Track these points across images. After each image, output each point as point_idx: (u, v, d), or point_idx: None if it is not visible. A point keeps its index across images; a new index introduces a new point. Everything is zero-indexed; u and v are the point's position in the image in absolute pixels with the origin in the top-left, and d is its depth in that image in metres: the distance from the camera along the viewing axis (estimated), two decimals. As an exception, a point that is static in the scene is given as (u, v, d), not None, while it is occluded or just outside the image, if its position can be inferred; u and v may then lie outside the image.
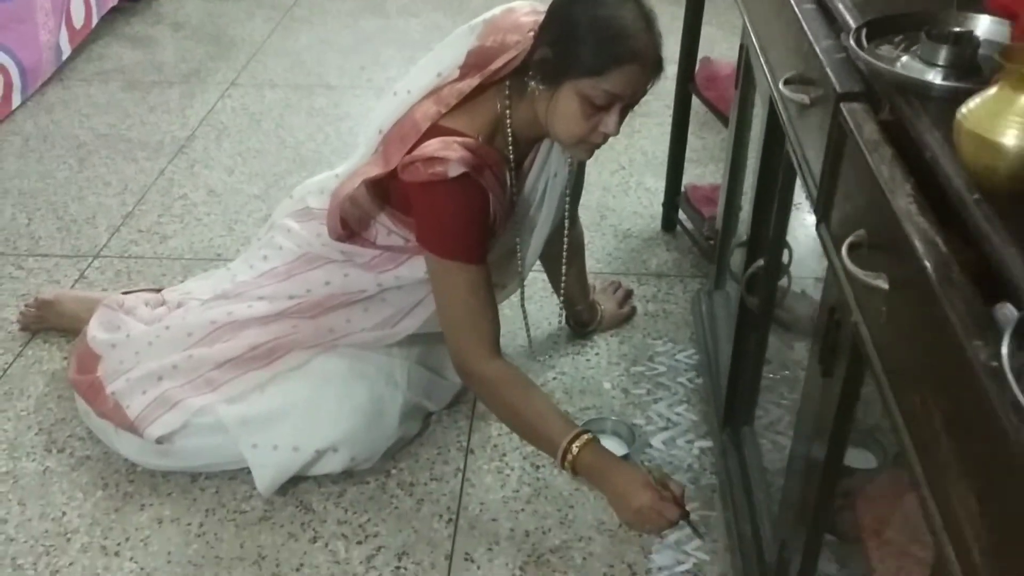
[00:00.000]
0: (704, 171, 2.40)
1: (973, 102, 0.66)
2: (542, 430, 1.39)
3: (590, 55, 1.32)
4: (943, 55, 0.79)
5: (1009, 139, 0.62)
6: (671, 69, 2.07)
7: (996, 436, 0.52)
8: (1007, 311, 0.56)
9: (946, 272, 0.62)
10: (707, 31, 2.10)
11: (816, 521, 1.06)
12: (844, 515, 1.23)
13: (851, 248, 0.77)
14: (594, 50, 1.32)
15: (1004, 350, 0.50)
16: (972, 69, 0.79)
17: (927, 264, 0.63)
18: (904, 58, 0.82)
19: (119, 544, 1.46)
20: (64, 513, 1.51)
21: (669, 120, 2.18)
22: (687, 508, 1.33)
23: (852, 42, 0.85)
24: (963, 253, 0.66)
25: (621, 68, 1.32)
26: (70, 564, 1.43)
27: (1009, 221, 0.62)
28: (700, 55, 2.07)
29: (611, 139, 1.42)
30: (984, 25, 0.84)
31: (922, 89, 0.78)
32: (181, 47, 3.15)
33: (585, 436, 1.36)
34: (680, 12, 2.01)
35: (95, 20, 3.08)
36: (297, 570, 1.42)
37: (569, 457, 1.35)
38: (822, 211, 0.90)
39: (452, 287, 1.43)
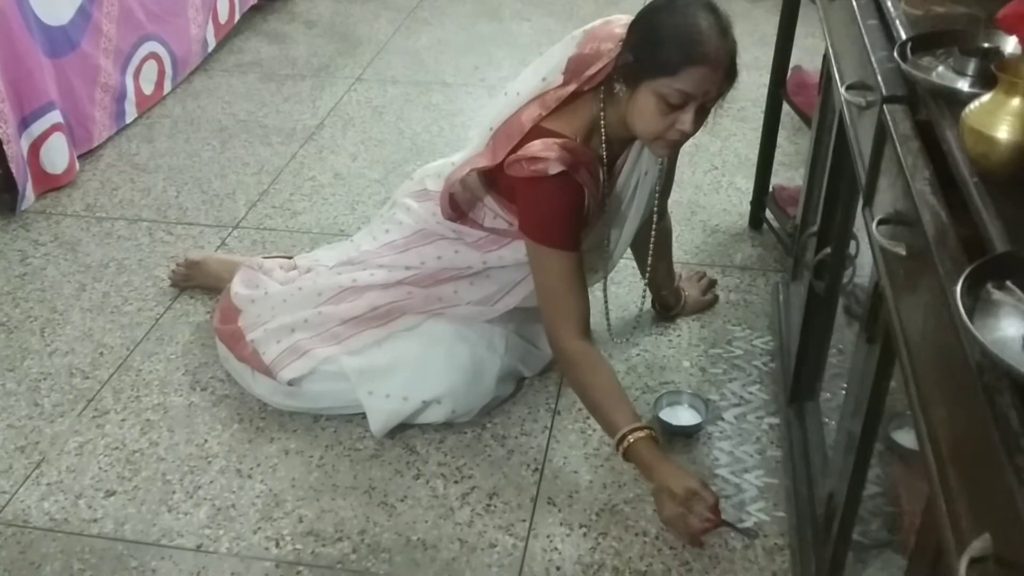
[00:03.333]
0: (794, 174, 2.52)
1: (975, 103, 0.81)
2: (608, 413, 1.54)
3: (665, 56, 1.45)
4: (971, 67, 0.94)
5: (1001, 133, 0.78)
6: (764, 76, 2.22)
7: (956, 354, 0.68)
8: (983, 266, 0.72)
9: (943, 237, 0.77)
10: (809, 42, 2.21)
11: (857, 471, 1.20)
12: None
13: (880, 222, 0.92)
14: (669, 52, 1.45)
15: (957, 288, 0.66)
16: (994, 79, 0.93)
17: (929, 232, 0.79)
18: (940, 68, 0.97)
19: (251, 468, 1.70)
20: (206, 440, 1.76)
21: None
22: (722, 516, 1.46)
23: (897, 54, 1.00)
24: (967, 229, 0.81)
25: (693, 68, 1.45)
26: (210, 482, 1.67)
27: (996, 198, 0.78)
28: (793, 64, 2.20)
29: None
30: (1011, 42, 0.98)
31: (951, 95, 0.93)
32: (313, 44, 3.43)
33: (644, 431, 1.49)
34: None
35: (237, 16, 3.37)
36: (402, 500, 1.63)
37: (625, 444, 1.50)
38: (867, 196, 1.05)
39: (546, 270, 1.60)
